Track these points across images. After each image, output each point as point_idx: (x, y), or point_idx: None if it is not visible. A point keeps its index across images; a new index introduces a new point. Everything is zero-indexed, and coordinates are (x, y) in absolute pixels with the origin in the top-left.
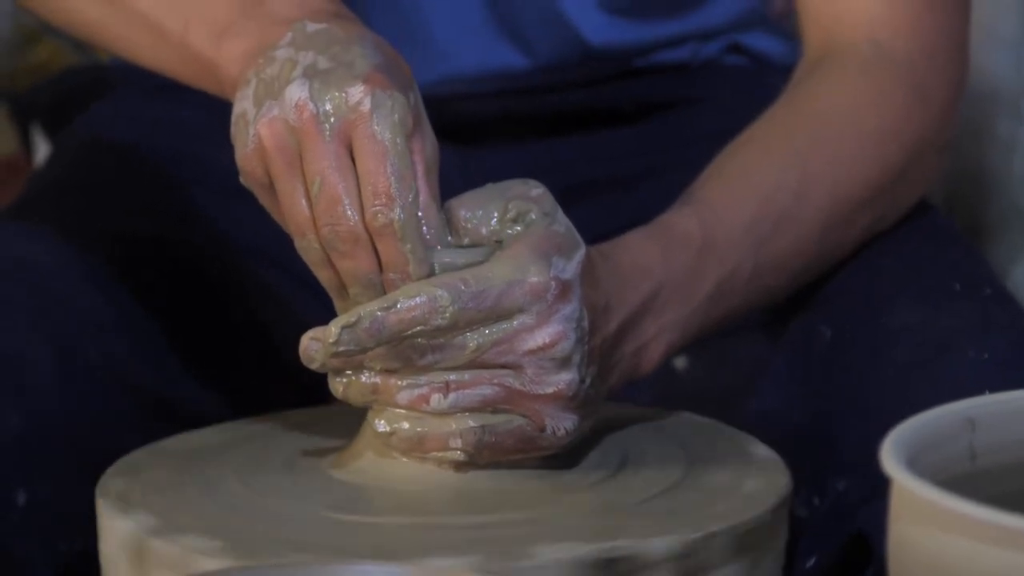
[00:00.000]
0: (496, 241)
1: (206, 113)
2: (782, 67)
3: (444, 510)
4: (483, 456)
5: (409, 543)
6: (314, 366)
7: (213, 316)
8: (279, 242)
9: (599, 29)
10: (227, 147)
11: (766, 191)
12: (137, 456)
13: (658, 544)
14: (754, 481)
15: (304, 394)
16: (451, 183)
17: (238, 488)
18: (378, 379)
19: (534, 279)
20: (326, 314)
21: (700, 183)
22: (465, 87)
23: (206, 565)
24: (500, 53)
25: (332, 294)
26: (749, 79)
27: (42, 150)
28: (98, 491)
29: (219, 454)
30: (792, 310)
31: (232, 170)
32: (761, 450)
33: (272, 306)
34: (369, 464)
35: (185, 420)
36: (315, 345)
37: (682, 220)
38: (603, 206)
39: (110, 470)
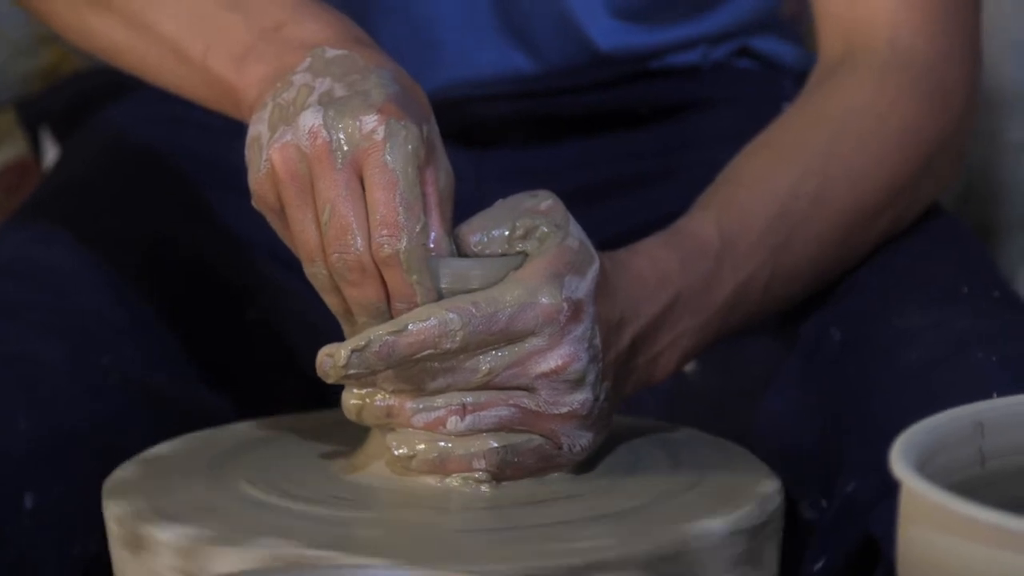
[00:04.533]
0: (518, 252)
1: (221, 113)
2: (792, 71)
3: (460, 509)
4: (505, 475)
5: (428, 543)
6: (329, 381)
7: (227, 317)
8: None
9: (608, 34)
10: (242, 147)
11: (785, 196)
12: (146, 457)
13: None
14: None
15: (317, 396)
16: (465, 186)
17: (248, 490)
18: (393, 401)
19: (545, 301)
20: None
21: (717, 188)
22: (476, 91)
23: (216, 567)
24: (510, 57)
25: (340, 319)
26: (759, 82)
27: (51, 154)
28: (104, 492)
29: (231, 455)
30: (802, 311)
31: (247, 170)
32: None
33: (287, 308)
34: (382, 469)
35: (197, 421)
36: (329, 361)
37: (701, 226)
38: (614, 208)
39: (117, 471)
